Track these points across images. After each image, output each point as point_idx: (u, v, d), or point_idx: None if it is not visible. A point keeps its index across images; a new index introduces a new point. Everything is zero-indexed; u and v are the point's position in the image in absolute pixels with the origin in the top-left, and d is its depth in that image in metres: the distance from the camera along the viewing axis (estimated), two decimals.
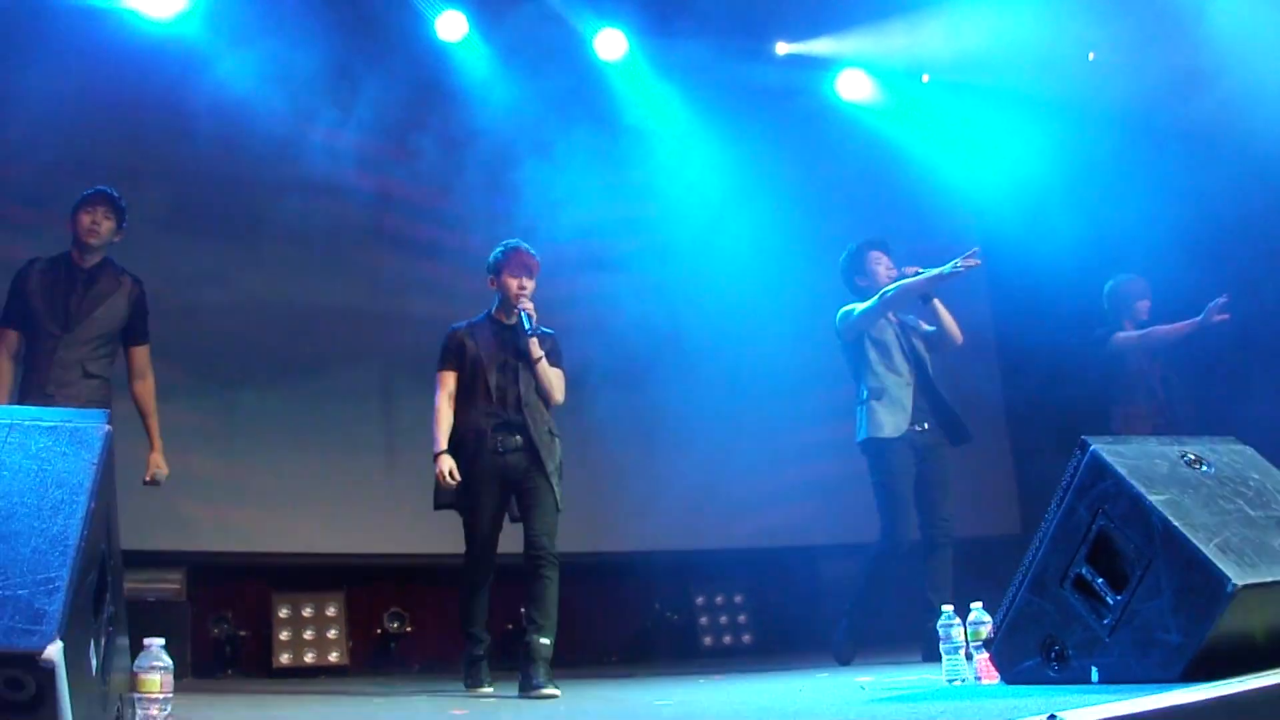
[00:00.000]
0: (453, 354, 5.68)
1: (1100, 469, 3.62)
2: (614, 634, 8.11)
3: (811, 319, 8.46)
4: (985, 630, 4.13)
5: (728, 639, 8.35)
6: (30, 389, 5.37)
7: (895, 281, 6.30)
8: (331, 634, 7.40)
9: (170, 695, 3.05)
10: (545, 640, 5.19)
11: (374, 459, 7.77)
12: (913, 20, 8.59)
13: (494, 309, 5.72)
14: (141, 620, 5.85)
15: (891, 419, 6.26)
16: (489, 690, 5.51)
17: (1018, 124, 8.56)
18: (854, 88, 9.35)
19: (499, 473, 5.52)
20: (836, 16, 8.82)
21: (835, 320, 6.43)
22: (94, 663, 2.48)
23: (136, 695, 3.01)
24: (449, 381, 5.65)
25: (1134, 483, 3.52)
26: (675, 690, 5.18)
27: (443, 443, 5.51)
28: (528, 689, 5.05)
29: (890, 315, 6.42)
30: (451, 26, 8.12)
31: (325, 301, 7.81)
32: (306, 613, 7.41)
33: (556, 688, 5.03)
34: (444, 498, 5.56)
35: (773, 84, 9.09)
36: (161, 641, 3.09)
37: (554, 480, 5.47)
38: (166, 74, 7.33)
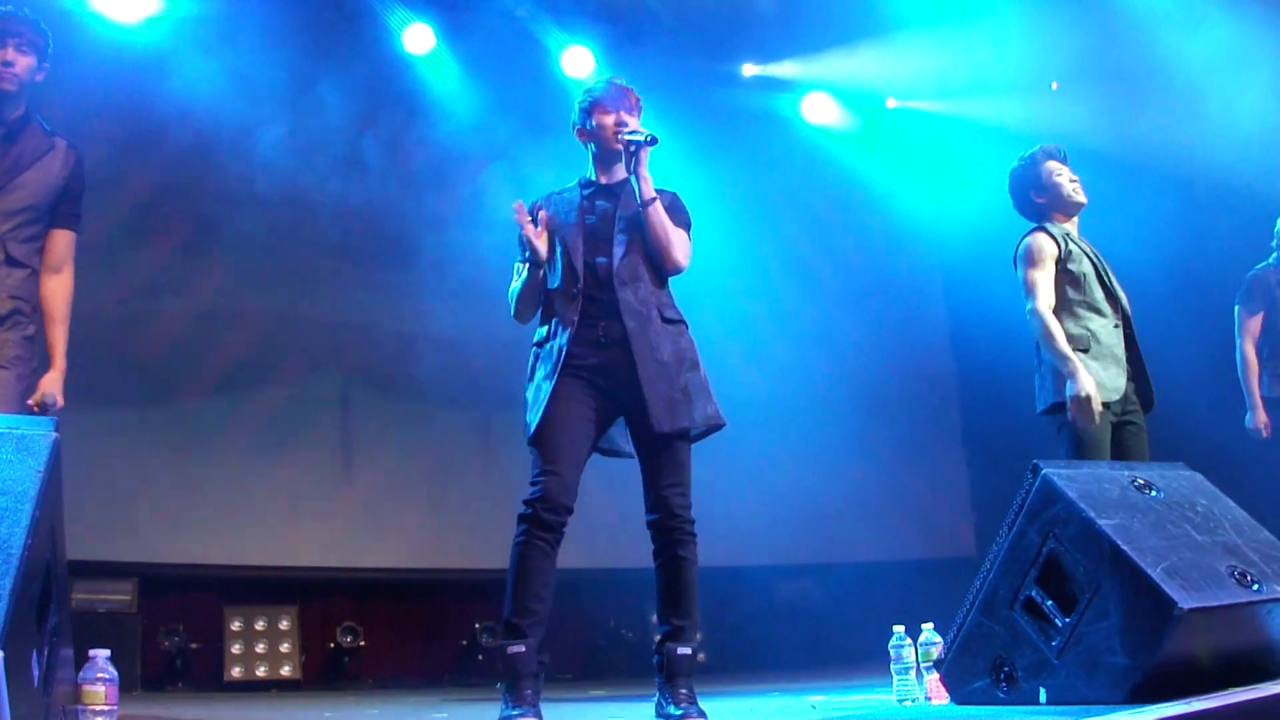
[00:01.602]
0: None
1: (1051, 493, 3.64)
2: (569, 651, 8.08)
3: (772, 338, 8.54)
4: (936, 651, 4.14)
5: None
6: None
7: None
8: (284, 647, 7.35)
9: (115, 706, 3.01)
10: (688, 649, 3.90)
11: (329, 471, 7.74)
12: (878, 46, 8.66)
13: (588, 172, 4.32)
14: (91, 631, 5.85)
15: (1107, 374, 4.76)
16: None
17: (979, 151, 8.63)
18: (819, 111, 9.42)
19: (591, 373, 3.99)
20: (804, 40, 8.89)
21: (1017, 249, 5.08)
22: (36, 673, 2.45)
23: (80, 707, 2.98)
24: (527, 276, 4.14)
25: (1084, 507, 3.55)
26: (630, 708, 5.13)
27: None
28: (671, 716, 3.80)
29: (1085, 243, 5.13)
30: (418, 39, 8.13)
31: (283, 311, 7.78)
32: (259, 625, 7.36)
33: (705, 714, 3.81)
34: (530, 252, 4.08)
35: (739, 105, 9.14)
36: (107, 653, 3.05)
37: (669, 409, 3.93)
38: (129, 79, 7.29)
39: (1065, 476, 3.69)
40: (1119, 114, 8.16)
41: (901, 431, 9.09)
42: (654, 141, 4.07)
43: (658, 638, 3.96)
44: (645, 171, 4.09)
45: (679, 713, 3.75)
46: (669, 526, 3.95)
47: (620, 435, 4.15)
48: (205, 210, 7.64)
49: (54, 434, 2.57)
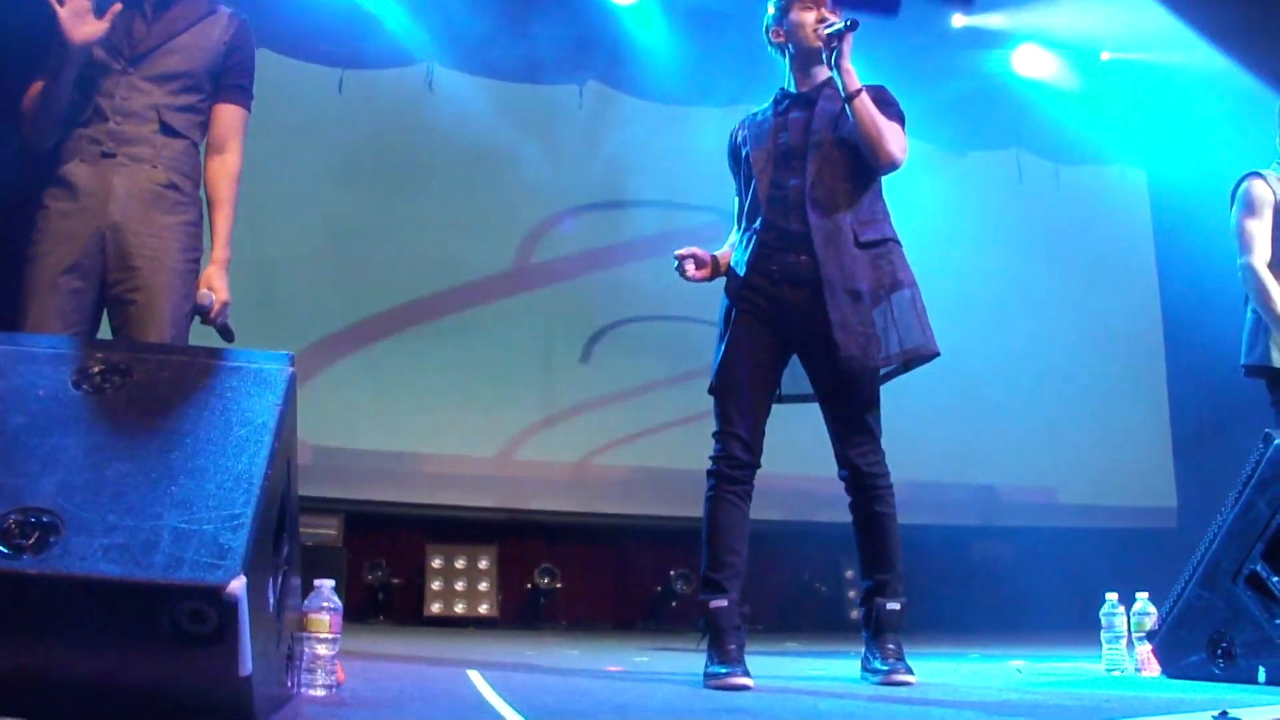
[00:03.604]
0: (732, 168, 4.11)
1: None
2: (762, 603, 8.06)
3: (970, 296, 8.32)
4: (1150, 621, 4.04)
5: None
6: (76, 149, 3.60)
7: None
8: (483, 586, 7.53)
9: (339, 636, 3.11)
10: (896, 605, 3.78)
11: (530, 417, 7.86)
12: None
13: (784, 82, 4.06)
14: (300, 563, 6.05)
15: None
16: (747, 683, 3.46)
17: (1197, 103, 8.33)
18: (1031, 63, 9.14)
19: (771, 315, 3.83)
20: None
21: (1234, 192, 4.71)
22: (272, 599, 2.53)
23: (305, 634, 3.07)
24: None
25: None
26: (828, 663, 5.07)
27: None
28: (878, 671, 3.70)
29: None
30: None
31: (488, 256, 7.95)
32: (459, 564, 7.56)
33: (912, 670, 3.69)
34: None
35: (948, 57, 8.91)
36: (332, 583, 3.15)
37: (861, 347, 3.67)
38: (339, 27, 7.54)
39: None
40: None
41: (1103, 395, 8.86)
42: (855, 25, 3.72)
43: (862, 591, 3.88)
44: (848, 63, 3.75)
45: (886, 668, 3.67)
46: (863, 485, 3.81)
47: (803, 377, 3.94)
48: (413, 157, 7.84)
49: (291, 369, 2.65)
